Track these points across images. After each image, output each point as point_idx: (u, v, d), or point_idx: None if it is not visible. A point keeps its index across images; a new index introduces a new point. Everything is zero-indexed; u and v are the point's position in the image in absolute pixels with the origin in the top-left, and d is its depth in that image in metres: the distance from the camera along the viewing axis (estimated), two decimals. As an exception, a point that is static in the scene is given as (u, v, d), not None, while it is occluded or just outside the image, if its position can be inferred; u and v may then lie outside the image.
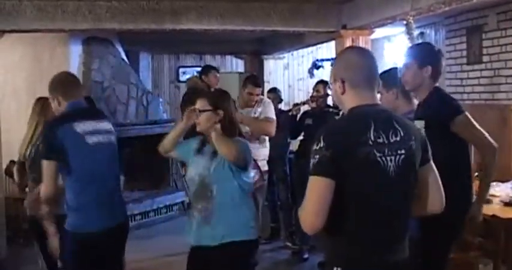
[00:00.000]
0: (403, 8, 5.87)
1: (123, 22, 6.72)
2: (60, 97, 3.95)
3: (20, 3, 6.44)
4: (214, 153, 3.92)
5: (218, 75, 7.61)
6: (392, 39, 10.35)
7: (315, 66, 12.05)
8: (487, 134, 3.87)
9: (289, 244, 7.54)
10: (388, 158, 2.57)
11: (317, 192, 2.49)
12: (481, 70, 7.62)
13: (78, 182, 3.83)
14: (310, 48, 11.76)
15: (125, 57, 9.67)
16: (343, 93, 2.72)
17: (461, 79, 7.92)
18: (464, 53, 7.95)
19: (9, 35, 6.76)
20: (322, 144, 2.49)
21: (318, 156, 2.49)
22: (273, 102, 6.95)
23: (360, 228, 2.58)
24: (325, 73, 11.60)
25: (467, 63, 7.88)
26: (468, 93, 7.82)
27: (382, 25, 6.87)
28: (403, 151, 2.61)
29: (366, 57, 2.81)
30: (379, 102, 2.80)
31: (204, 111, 3.95)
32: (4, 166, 7.37)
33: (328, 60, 11.94)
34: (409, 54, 4.16)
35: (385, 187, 2.58)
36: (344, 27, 7.22)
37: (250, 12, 7.06)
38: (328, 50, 11.79)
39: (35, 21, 6.49)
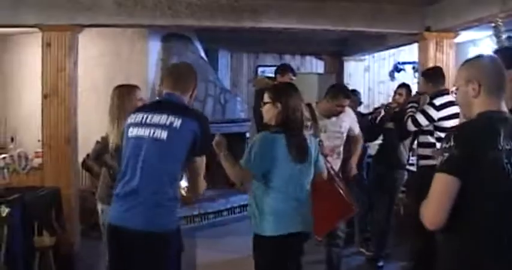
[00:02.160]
0: (491, 9, 5.60)
1: (201, 19, 6.65)
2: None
3: (99, -3, 6.49)
4: None
5: (294, 78, 7.37)
6: (478, 43, 10.03)
7: (396, 69, 11.87)
8: None
9: (363, 250, 7.36)
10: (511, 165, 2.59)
11: (443, 190, 2.59)
12: None
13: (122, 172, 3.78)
14: (391, 51, 11.52)
15: (203, 55, 9.65)
16: (476, 96, 2.76)
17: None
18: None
19: (88, 29, 6.79)
20: (452, 143, 2.58)
21: (447, 154, 2.58)
22: (353, 104, 6.74)
23: (476, 230, 2.62)
24: (406, 76, 11.39)
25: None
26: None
27: (468, 28, 6.60)
28: None
29: (501, 67, 2.84)
30: (505, 109, 2.80)
31: (266, 103, 4.18)
32: (80, 160, 7.38)
33: (409, 63, 11.73)
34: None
35: (505, 193, 2.60)
36: (428, 29, 6.96)
37: (330, 12, 6.88)
38: (409, 53, 11.52)
39: (113, 16, 6.50)
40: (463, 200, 2.57)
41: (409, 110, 6.32)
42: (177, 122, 3.64)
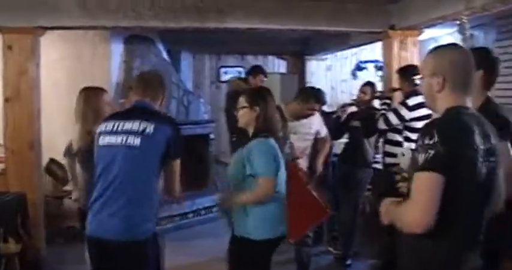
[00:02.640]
0: (456, 7, 5.62)
1: (166, 20, 6.58)
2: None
3: (62, -1, 6.38)
4: None
5: (265, 80, 7.41)
6: (440, 40, 10.11)
7: (358, 67, 11.94)
8: None
9: (331, 249, 7.36)
10: (484, 164, 2.56)
11: (430, 189, 2.45)
12: (534, 73, 7.32)
13: (95, 182, 3.78)
14: (353, 50, 11.58)
15: (166, 57, 9.58)
16: (440, 91, 2.70)
17: (511, 82, 7.63)
18: (516, 55, 7.69)
19: (50, 32, 6.68)
20: (436, 139, 2.46)
21: (432, 152, 2.45)
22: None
23: (459, 231, 2.57)
24: (368, 75, 11.46)
25: (519, 67, 7.62)
26: (518, 97, 7.54)
27: (433, 25, 6.63)
28: (493, 158, 2.61)
29: (470, 61, 2.75)
30: (470, 105, 2.73)
31: (242, 108, 4.15)
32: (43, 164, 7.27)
33: (371, 62, 11.80)
34: None
35: (480, 193, 2.58)
36: (392, 27, 6.99)
37: (295, 11, 6.87)
38: (371, 51, 11.60)
39: (76, 18, 6.40)
40: (447, 200, 2.48)
41: (382, 106, 6.35)
42: (150, 128, 3.66)
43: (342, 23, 7.03)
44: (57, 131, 7.40)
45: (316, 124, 6.20)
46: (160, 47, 9.47)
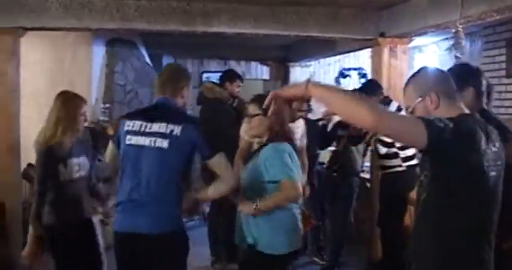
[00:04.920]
0: (450, 16, 5.51)
1: (151, 22, 6.40)
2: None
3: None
4: None
5: (241, 85, 7.24)
6: (424, 49, 10.06)
7: (342, 75, 11.84)
8: None
9: (317, 259, 7.23)
10: (490, 169, 2.58)
11: (410, 123, 2.50)
12: (522, 83, 7.29)
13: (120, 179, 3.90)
14: (337, 57, 11.47)
15: (148, 60, 9.41)
16: (436, 107, 2.71)
17: (500, 92, 7.55)
18: (503, 65, 7.65)
19: (30, 33, 6.47)
20: (451, 125, 2.48)
21: (441, 123, 2.46)
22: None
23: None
24: (351, 82, 11.37)
25: (507, 76, 7.58)
26: (507, 107, 7.50)
27: (424, 33, 6.52)
28: (499, 162, 2.65)
29: (446, 73, 2.90)
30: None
31: (255, 115, 4.06)
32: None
33: (355, 69, 11.73)
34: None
35: (485, 197, 2.63)
36: (382, 35, 6.87)
37: (285, 17, 6.72)
38: (355, 58, 11.52)
39: (59, 19, 6.20)
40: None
41: None
42: (177, 130, 3.73)
43: (332, 29, 6.89)
44: (35, 135, 7.21)
45: (300, 129, 6.07)
46: (143, 50, 9.30)
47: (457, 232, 2.60)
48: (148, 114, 3.90)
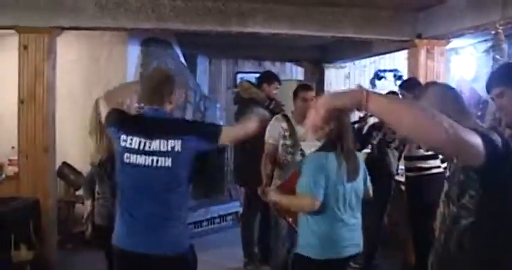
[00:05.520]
0: (490, 17, 5.41)
1: (187, 22, 6.40)
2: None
3: (81, -1, 6.22)
4: None
5: (279, 86, 7.16)
6: (460, 51, 9.90)
7: (377, 76, 11.71)
8: None
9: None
10: None
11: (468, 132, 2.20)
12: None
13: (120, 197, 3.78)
14: (372, 58, 11.36)
15: (183, 60, 9.39)
16: None
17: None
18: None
19: (66, 32, 6.51)
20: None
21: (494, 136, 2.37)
22: None
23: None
24: (387, 84, 11.25)
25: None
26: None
27: (461, 35, 6.42)
28: None
29: None
30: None
31: None
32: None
33: (390, 71, 11.58)
34: (495, 79, 3.20)
35: None
36: (419, 36, 6.78)
37: (320, 17, 6.68)
38: (390, 60, 11.39)
39: (96, 19, 6.24)
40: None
41: None
42: (178, 145, 3.56)
43: (368, 30, 6.83)
44: (70, 134, 7.27)
45: None
46: (178, 50, 9.28)
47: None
48: (145, 128, 3.66)
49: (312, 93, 5.94)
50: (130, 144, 3.61)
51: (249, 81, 7.40)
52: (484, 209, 2.47)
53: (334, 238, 3.98)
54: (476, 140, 2.21)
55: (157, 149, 3.56)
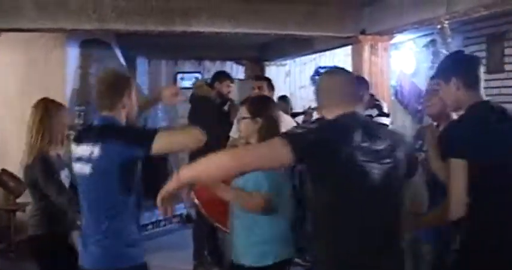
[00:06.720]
0: (436, 11, 5.46)
1: (129, 23, 6.28)
2: None
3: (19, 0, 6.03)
4: None
5: (232, 85, 7.12)
6: (400, 46, 10.00)
7: (318, 73, 11.73)
8: None
9: (299, 260, 7.11)
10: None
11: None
12: (503, 79, 7.34)
13: None
14: (313, 56, 11.40)
15: (123, 62, 9.22)
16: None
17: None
18: (484, 61, 7.60)
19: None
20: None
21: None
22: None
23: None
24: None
25: (488, 72, 7.53)
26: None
27: (405, 30, 6.47)
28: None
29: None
30: None
31: (243, 118, 3.92)
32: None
33: (331, 68, 11.63)
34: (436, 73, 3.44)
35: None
36: (363, 32, 6.81)
37: (264, 15, 6.67)
38: (331, 57, 11.45)
39: (35, 20, 6.06)
40: None
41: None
42: (95, 151, 3.24)
43: (312, 27, 6.82)
44: (9, 140, 7.06)
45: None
46: (117, 51, 9.11)
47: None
48: (83, 135, 3.45)
49: (259, 83, 6.27)
50: (75, 152, 3.40)
51: (203, 81, 7.44)
52: (315, 200, 2.72)
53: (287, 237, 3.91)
54: (275, 146, 2.61)
55: (80, 154, 3.34)
